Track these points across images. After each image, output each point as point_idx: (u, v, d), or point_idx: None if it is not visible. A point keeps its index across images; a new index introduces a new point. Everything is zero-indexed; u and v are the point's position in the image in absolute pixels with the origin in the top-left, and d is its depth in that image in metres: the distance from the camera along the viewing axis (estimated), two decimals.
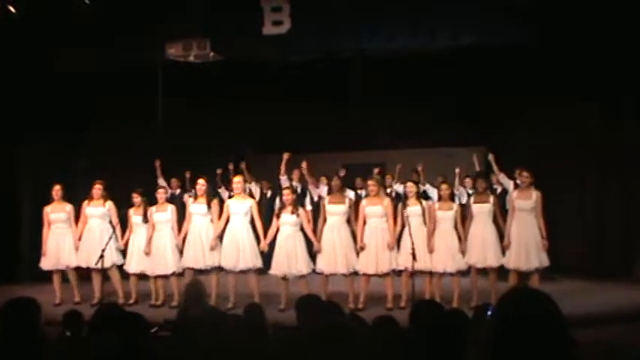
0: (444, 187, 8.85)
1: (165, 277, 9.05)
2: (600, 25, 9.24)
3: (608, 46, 9.68)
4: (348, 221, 8.66)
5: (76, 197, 9.58)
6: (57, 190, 9.32)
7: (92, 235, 9.13)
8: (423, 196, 9.58)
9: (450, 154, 11.76)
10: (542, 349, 1.72)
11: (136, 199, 9.18)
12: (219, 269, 8.79)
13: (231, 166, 10.93)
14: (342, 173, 10.46)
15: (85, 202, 9.30)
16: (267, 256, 8.72)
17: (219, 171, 11.04)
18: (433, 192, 10.13)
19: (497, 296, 3.18)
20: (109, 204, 9.24)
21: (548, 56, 10.08)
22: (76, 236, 9.21)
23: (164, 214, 9.07)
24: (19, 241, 11.31)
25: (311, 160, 9.74)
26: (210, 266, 8.78)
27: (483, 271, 8.56)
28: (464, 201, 9.54)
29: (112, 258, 8.97)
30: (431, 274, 8.55)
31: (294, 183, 9.99)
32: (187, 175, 10.54)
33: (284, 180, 9.57)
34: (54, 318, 5.66)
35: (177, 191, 10.89)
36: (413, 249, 7.84)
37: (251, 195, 10.12)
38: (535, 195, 8.37)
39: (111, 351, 3.01)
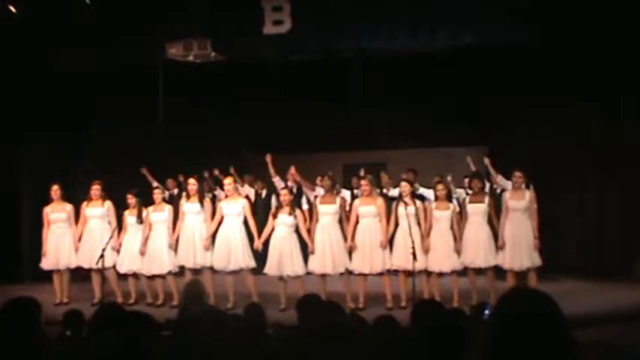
0: (440, 187, 8.82)
1: (161, 276, 9.03)
2: (600, 25, 9.25)
3: (607, 46, 9.68)
4: (340, 221, 8.67)
5: (76, 197, 9.57)
6: (55, 189, 9.31)
7: (92, 235, 9.12)
8: (418, 197, 9.54)
9: (450, 154, 11.72)
10: (542, 349, 1.72)
11: (131, 200, 9.17)
12: (212, 270, 8.77)
13: (217, 172, 10.45)
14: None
15: (84, 204, 9.29)
16: (261, 256, 8.70)
17: (206, 174, 10.56)
18: (429, 193, 10.07)
19: (497, 296, 3.18)
20: (108, 204, 9.23)
21: (548, 56, 10.08)
22: (76, 237, 9.20)
23: (161, 214, 9.06)
24: (20, 241, 11.31)
25: (311, 160, 9.74)
26: (200, 265, 8.77)
27: (481, 271, 8.56)
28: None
29: (112, 258, 8.94)
30: (428, 273, 8.54)
31: (289, 183, 9.94)
32: (181, 178, 10.27)
33: (277, 181, 9.57)
34: (54, 318, 5.66)
35: (175, 191, 10.84)
36: (413, 248, 7.84)
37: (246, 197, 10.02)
38: (528, 195, 8.37)
39: (111, 351, 3.01)
